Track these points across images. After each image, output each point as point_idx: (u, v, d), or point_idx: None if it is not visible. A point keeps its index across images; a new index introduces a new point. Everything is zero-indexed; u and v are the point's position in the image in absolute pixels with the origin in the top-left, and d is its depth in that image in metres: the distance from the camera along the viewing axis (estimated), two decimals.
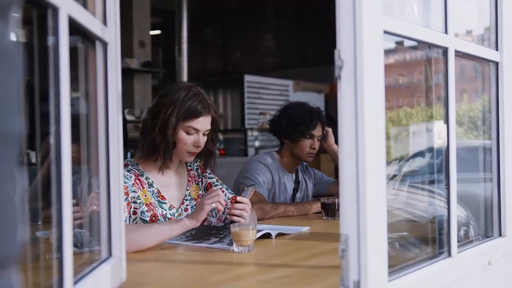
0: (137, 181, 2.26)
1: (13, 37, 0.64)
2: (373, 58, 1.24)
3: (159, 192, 2.33)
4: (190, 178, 2.48)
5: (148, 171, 2.34)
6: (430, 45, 1.63)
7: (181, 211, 2.38)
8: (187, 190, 2.45)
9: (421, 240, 1.79)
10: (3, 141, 0.60)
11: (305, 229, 2.45)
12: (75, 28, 1.16)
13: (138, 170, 2.30)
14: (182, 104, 2.25)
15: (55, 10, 1.04)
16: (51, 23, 1.04)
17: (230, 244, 1.98)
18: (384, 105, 1.28)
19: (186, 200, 2.43)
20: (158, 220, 2.27)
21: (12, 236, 0.62)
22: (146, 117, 2.35)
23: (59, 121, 1.05)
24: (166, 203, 2.33)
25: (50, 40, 1.06)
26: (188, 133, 2.29)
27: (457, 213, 1.63)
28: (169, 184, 2.39)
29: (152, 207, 2.27)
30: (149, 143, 2.30)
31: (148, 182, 2.31)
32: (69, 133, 1.06)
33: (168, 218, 2.31)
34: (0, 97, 0.60)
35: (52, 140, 1.05)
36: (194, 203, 2.44)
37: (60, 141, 1.05)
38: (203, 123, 2.30)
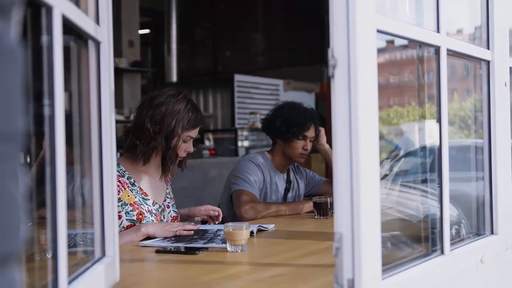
0: (118, 182, 2.29)
1: (15, 36, 0.64)
2: (367, 57, 1.24)
3: (141, 189, 2.41)
4: (168, 180, 2.59)
5: (131, 171, 2.41)
6: (423, 44, 1.63)
7: (164, 207, 2.49)
8: (167, 189, 2.56)
9: (413, 238, 1.80)
10: (7, 140, 0.61)
11: (271, 226, 2.47)
12: (68, 27, 1.16)
13: (119, 171, 2.33)
14: (184, 115, 2.37)
15: (49, 9, 1.03)
16: (44, 22, 1.04)
17: (224, 242, 1.98)
18: (377, 104, 1.29)
19: (168, 198, 2.54)
20: (146, 217, 2.35)
21: (15, 234, 0.62)
22: (143, 122, 2.35)
23: (53, 121, 1.04)
24: (149, 199, 2.42)
25: (44, 39, 1.05)
26: (184, 141, 2.41)
27: (449, 212, 1.64)
28: (151, 184, 2.47)
29: (137, 205, 2.35)
30: (151, 150, 2.37)
31: (130, 182, 2.38)
32: (63, 133, 1.06)
33: (154, 213, 2.40)
34: (4, 96, 0.60)
35: (46, 140, 1.05)
36: (173, 202, 2.58)
37: (54, 141, 1.04)
38: (197, 131, 2.46)
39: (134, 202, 2.33)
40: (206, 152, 7.11)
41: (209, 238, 2.15)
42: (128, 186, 2.36)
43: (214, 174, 6.22)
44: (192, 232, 2.24)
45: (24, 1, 0.73)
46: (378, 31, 1.30)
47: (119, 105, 7.40)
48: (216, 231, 2.29)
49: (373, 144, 1.26)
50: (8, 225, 0.61)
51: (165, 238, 2.17)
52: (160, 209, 2.45)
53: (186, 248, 1.99)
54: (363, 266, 1.21)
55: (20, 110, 0.63)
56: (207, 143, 7.78)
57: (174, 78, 8.84)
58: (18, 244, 0.63)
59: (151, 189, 2.45)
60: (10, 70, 0.61)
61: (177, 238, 2.17)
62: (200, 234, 2.23)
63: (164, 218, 2.46)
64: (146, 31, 10.52)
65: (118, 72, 7.54)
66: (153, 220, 2.36)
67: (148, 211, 2.37)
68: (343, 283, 1.22)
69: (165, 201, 2.51)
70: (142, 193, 2.40)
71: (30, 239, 1.46)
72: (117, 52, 7.62)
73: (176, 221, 2.52)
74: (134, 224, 2.29)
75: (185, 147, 2.42)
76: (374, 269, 1.25)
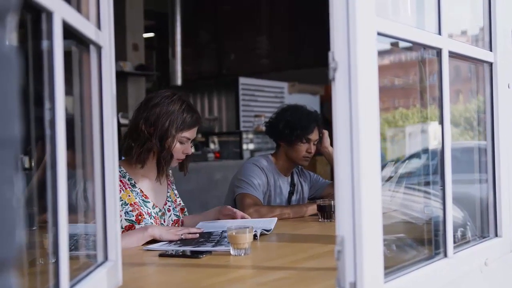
0: (119, 182, 2.30)
1: (11, 42, 0.64)
2: (367, 60, 1.24)
3: (142, 191, 2.41)
4: (169, 182, 2.59)
5: (132, 173, 2.42)
6: (424, 46, 1.63)
7: (165, 210, 2.49)
8: (168, 192, 2.56)
9: (417, 241, 1.79)
10: (3, 145, 0.61)
11: (273, 223, 2.49)
12: (69, 32, 1.16)
13: (120, 172, 2.34)
14: (178, 116, 2.36)
15: (49, 14, 1.03)
16: (45, 27, 1.04)
17: (229, 245, 1.98)
18: (379, 107, 1.28)
19: (168, 201, 2.54)
20: (145, 218, 2.35)
21: (11, 240, 0.62)
22: (138, 123, 2.37)
23: (54, 126, 1.04)
24: (149, 201, 2.42)
25: (44, 44, 1.06)
26: (181, 142, 2.40)
27: (454, 214, 1.64)
28: (151, 187, 2.47)
29: (137, 206, 2.35)
30: (146, 152, 2.36)
31: (131, 183, 2.39)
32: (64, 138, 1.06)
33: (153, 216, 2.40)
34: (0, 101, 0.60)
35: (47, 144, 1.05)
36: (174, 205, 2.56)
37: (55, 145, 1.04)
38: (195, 132, 2.45)
39: (134, 203, 2.34)
40: (211, 155, 7.11)
41: (216, 241, 2.14)
42: (129, 187, 2.37)
43: (219, 177, 6.22)
44: (198, 235, 2.23)
45: (21, 7, 0.74)
46: (379, 33, 1.30)
47: (124, 108, 7.39)
48: (221, 233, 2.29)
49: (374, 146, 1.26)
50: (3, 231, 0.61)
51: (171, 241, 2.17)
52: (160, 213, 2.45)
53: (191, 251, 1.98)
54: (365, 269, 1.20)
55: (17, 115, 0.63)
56: (212, 146, 7.77)
57: (179, 81, 8.82)
58: (14, 250, 0.63)
59: (152, 192, 2.45)
60: (5, 76, 0.61)
61: (183, 241, 2.17)
62: (206, 237, 2.23)
63: (164, 222, 2.46)
64: (151, 34, 10.53)
65: (123, 76, 7.54)
66: (152, 223, 2.36)
67: (148, 214, 2.37)
68: (345, 287, 1.21)
69: (165, 204, 2.51)
70: (142, 195, 2.40)
71: (33, 244, 1.47)
72: (122, 55, 7.62)
73: (177, 225, 2.52)
74: (133, 225, 2.30)
75: (182, 149, 2.41)
76: (376, 272, 1.25)
